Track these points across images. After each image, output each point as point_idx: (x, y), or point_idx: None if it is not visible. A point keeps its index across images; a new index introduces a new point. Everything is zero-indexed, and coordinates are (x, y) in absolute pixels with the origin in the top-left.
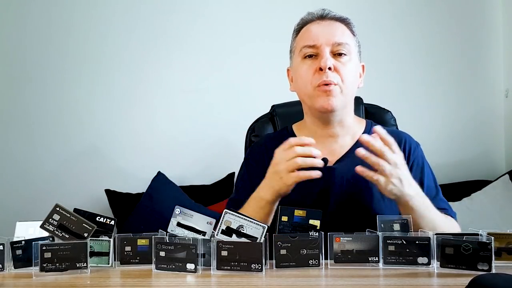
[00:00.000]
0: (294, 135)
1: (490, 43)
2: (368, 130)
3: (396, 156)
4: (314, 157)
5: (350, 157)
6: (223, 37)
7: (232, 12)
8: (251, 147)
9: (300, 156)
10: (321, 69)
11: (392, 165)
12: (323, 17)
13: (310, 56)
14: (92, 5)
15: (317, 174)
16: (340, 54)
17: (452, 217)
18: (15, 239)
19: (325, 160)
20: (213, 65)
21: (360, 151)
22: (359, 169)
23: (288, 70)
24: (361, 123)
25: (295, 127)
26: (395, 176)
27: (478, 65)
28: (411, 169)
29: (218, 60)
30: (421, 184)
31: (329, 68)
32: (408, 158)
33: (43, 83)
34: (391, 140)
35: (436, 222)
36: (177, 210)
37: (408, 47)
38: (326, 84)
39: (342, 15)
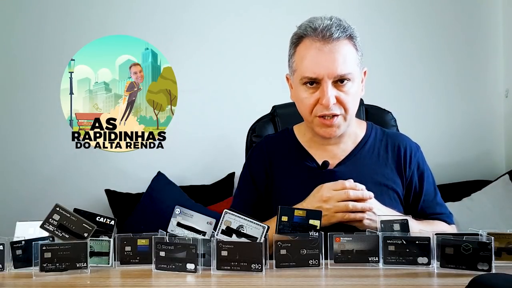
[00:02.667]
0: (294, 137)
1: (490, 43)
2: (369, 133)
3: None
4: (365, 200)
5: (351, 161)
6: (223, 37)
7: (233, 12)
8: (252, 149)
9: (352, 201)
10: (322, 104)
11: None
12: (324, 38)
13: (311, 83)
14: (89, 6)
15: (361, 216)
16: (342, 81)
17: (447, 221)
18: (15, 239)
19: (326, 163)
20: (213, 65)
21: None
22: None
23: (287, 77)
24: (362, 125)
25: (296, 128)
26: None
27: (478, 65)
28: (411, 174)
29: (219, 60)
30: (421, 188)
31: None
32: (409, 162)
33: (42, 83)
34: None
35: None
36: (177, 210)
37: (408, 48)
38: (329, 116)
39: (346, 30)
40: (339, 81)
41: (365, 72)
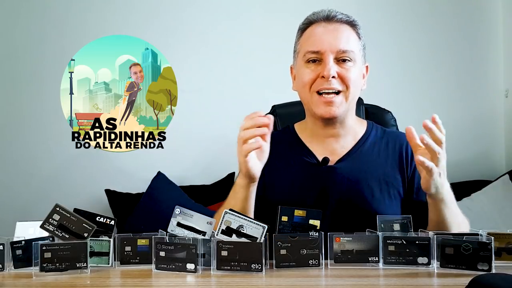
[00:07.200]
0: (296, 135)
1: (490, 43)
2: (369, 131)
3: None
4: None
5: (351, 157)
6: (223, 37)
7: (233, 11)
8: None
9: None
10: (323, 76)
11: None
12: (329, 19)
13: (314, 61)
14: (89, 6)
15: (258, 145)
16: (344, 60)
17: None
18: (15, 239)
19: (326, 159)
20: (213, 65)
21: (428, 124)
22: (420, 159)
23: (291, 68)
24: (362, 123)
25: (297, 126)
26: (442, 167)
27: (478, 65)
28: (413, 171)
29: (218, 60)
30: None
31: (333, 76)
32: (410, 160)
33: (42, 83)
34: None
35: (459, 215)
36: (177, 210)
37: (408, 47)
38: (328, 93)
39: (350, 17)
40: (341, 60)
41: (367, 68)
